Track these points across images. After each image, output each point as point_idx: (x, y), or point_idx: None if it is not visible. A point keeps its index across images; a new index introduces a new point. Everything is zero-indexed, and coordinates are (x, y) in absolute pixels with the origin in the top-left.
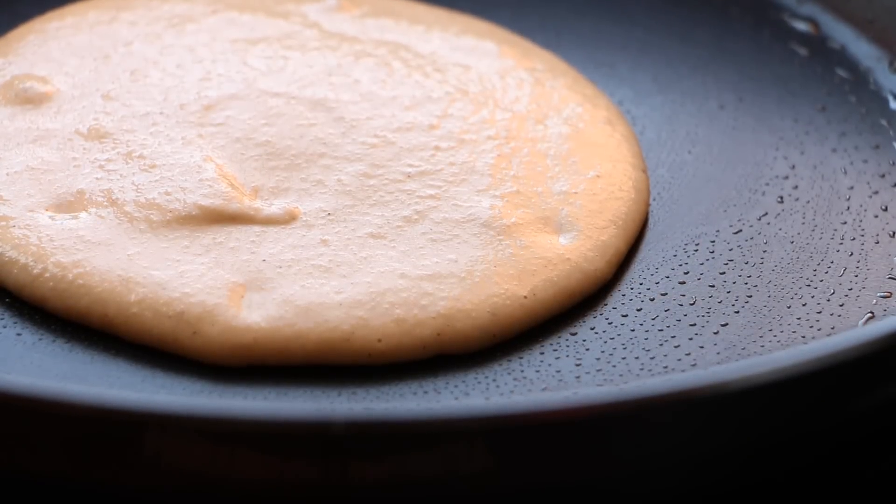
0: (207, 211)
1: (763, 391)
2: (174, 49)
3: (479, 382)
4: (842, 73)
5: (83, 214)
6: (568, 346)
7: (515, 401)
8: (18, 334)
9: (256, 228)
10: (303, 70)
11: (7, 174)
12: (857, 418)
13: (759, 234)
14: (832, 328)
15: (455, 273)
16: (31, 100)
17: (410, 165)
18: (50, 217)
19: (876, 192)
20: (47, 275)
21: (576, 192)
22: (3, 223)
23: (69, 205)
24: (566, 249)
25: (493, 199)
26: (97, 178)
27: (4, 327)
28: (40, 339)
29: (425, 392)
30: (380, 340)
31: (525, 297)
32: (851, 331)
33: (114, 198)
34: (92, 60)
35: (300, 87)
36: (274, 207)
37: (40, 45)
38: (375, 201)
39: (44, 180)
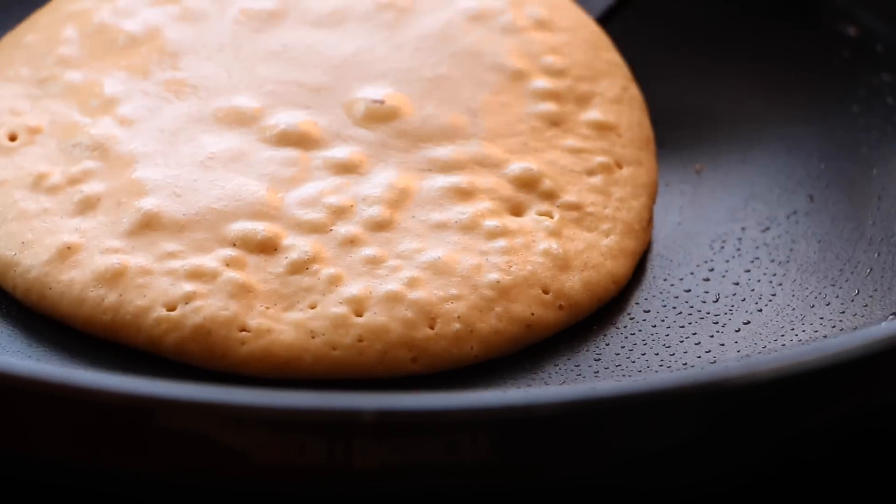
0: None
1: (771, 388)
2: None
3: (494, 378)
4: (885, 76)
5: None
6: (587, 341)
7: (529, 393)
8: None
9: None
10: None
11: None
12: (868, 418)
13: (787, 232)
14: (854, 328)
15: (481, 284)
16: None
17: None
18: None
19: None
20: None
21: (600, 193)
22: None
23: (81, 207)
24: (593, 252)
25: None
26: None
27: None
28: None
29: (438, 388)
30: (415, 360)
31: (561, 307)
32: (865, 329)
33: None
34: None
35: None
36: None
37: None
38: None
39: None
